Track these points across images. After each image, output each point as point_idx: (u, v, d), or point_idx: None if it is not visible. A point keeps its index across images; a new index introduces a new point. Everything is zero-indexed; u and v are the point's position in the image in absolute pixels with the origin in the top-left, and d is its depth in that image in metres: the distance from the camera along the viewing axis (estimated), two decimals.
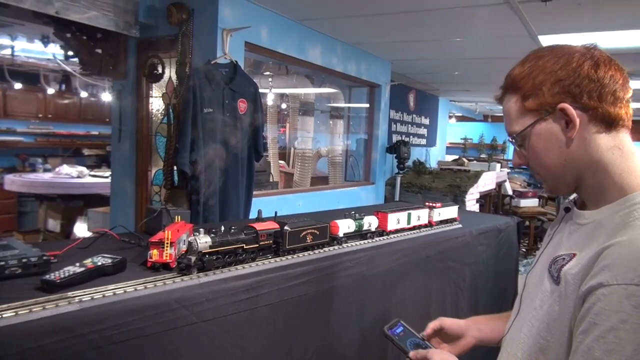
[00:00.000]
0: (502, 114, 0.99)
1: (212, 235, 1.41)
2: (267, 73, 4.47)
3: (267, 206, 2.57)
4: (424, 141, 6.89)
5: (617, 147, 0.88)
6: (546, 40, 3.49)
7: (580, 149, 0.88)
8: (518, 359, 0.96)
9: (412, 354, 1.12)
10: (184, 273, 1.34)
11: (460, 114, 9.89)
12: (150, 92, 3.18)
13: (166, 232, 1.41)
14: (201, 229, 1.42)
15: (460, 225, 2.48)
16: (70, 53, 2.90)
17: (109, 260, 1.32)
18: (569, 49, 0.91)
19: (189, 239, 1.39)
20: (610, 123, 0.87)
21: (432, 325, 1.26)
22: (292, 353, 1.52)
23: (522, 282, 1.07)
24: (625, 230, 0.80)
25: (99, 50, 2.95)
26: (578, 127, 0.87)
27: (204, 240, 1.37)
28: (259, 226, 1.55)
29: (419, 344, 1.17)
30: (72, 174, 5.57)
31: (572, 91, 0.86)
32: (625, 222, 0.82)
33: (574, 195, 1.01)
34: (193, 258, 1.34)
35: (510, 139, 0.97)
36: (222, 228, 1.47)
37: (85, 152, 7.60)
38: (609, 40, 3.42)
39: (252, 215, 2.86)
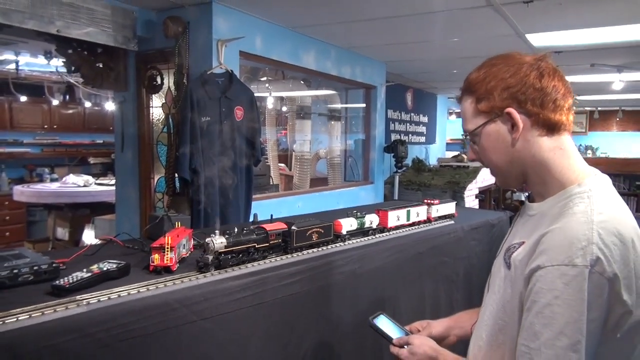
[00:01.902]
0: None
1: (227, 236, 1.53)
2: (264, 78, 4.56)
3: (267, 209, 2.69)
4: (423, 139, 6.95)
5: (558, 147, 0.98)
6: (534, 39, 3.56)
7: (524, 149, 0.99)
8: (483, 340, 1.06)
9: (395, 340, 1.22)
10: (203, 271, 1.46)
11: (460, 110, 9.94)
12: (151, 102, 3.29)
13: (166, 237, 1.51)
14: (217, 231, 1.53)
15: (452, 222, 2.56)
16: (73, 67, 3.01)
17: (114, 266, 1.41)
18: (520, 59, 1.00)
19: (206, 240, 1.50)
20: (551, 128, 0.97)
21: (418, 326, 1.34)
22: (288, 348, 1.62)
23: None
24: (561, 218, 0.91)
25: (100, 64, 3.05)
26: (522, 130, 0.97)
27: (219, 241, 1.49)
28: (268, 227, 1.67)
29: (401, 332, 1.27)
30: (78, 183, 5.68)
31: (518, 98, 0.96)
32: (562, 211, 0.92)
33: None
34: (210, 257, 1.46)
35: (465, 136, 1.08)
36: (235, 229, 1.58)
37: (91, 160, 7.71)
38: (594, 36, 3.48)
39: (252, 218, 2.95)
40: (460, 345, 1.29)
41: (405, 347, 1.19)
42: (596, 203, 0.90)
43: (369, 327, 1.31)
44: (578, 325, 0.83)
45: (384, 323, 1.31)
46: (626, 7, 2.81)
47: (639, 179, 8.04)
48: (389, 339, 1.26)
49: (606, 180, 0.99)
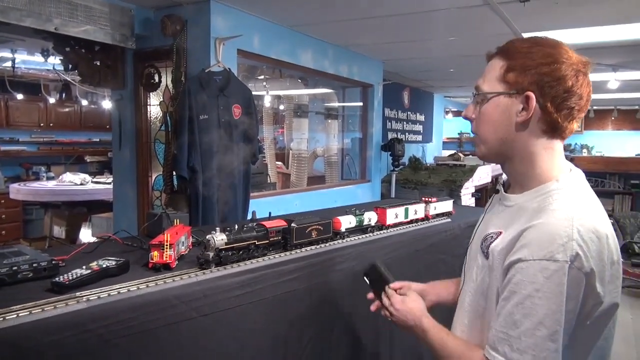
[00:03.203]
0: None
1: (227, 233, 1.54)
2: (261, 77, 4.56)
3: (265, 207, 2.69)
4: (419, 137, 6.97)
5: (550, 147, 1.02)
6: None
7: (521, 136, 1.01)
8: (465, 325, 1.10)
9: (393, 284, 1.31)
10: (203, 267, 1.47)
11: (456, 109, 9.98)
12: (148, 100, 3.29)
13: (166, 234, 1.52)
14: (217, 228, 1.55)
15: (449, 220, 2.58)
16: (70, 65, 3.01)
17: (113, 263, 1.42)
18: (567, 54, 0.98)
19: (207, 237, 1.51)
20: (554, 130, 1.00)
21: (399, 285, 1.37)
22: (288, 344, 1.63)
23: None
24: (542, 214, 0.94)
25: (97, 62, 3.05)
26: (528, 118, 0.98)
27: (220, 238, 1.51)
28: (268, 224, 1.68)
29: None
30: (75, 182, 5.67)
31: (544, 89, 0.96)
32: (541, 206, 0.96)
33: (504, 178, 1.15)
34: (211, 254, 1.48)
35: (475, 92, 1.07)
36: (236, 226, 1.60)
37: (88, 159, 7.70)
38: (589, 35, 3.50)
39: (249, 216, 2.96)
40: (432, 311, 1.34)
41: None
42: (574, 200, 0.95)
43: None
44: (557, 316, 0.87)
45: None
46: (621, 7, 2.83)
47: (633, 177, 8.08)
48: (386, 281, 1.34)
49: (581, 175, 1.03)
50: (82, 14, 2.61)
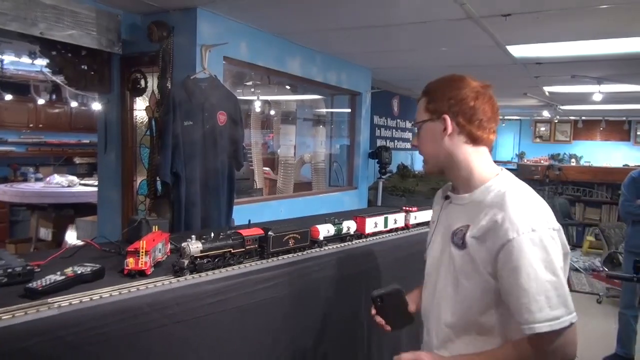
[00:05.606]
0: None
1: (203, 240, 1.57)
2: (249, 83, 4.58)
3: (250, 213, 2.70)
4: (408, 145, 7.02)
5: (476, 152, 1.27)
6: (514, 50, 3.63)
7: (450, 149, 1.26)
8: (455, 309, 1.24)
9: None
10: (178, 275, 1.49)
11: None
12: (134, 105, 3.30)
13: (142, 241, 1.53)
14: (193, 235, 1.57)
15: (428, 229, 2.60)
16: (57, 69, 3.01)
17: (88, 269, 1.43)
18: (468, 83, 1.27)
19: (182, 244, 1.54)
20: (474, 139, 1.26)
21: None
22: (262, 352, 1.64)
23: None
24: (504, 203, 1.15)
25: (84, 67, 3.05)
26: (449, 133, 1.25)
27: (195, 246, 1.53)
28: (245, 232, 1.71)
29: None
30: (62, 184, 5.64)
31: (453, 109, 1.25)
32: (499, 197, 1.18)
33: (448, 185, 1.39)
34: (186, 261, 1.50)
35: (413, 126, 1.39)
36: (212, 234, 1.62)
37: (77, 160, 7.66)
38: (573, 49, 3.55)
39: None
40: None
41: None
42: (518, 189, 1.21)
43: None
44: (553, 265, 1.11)
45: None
46: (601, 23, 2.89)
47: (620, 188, 8.18)
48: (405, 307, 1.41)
49: (510, 173, 1.28)
50: (69, 19, 2.61)
